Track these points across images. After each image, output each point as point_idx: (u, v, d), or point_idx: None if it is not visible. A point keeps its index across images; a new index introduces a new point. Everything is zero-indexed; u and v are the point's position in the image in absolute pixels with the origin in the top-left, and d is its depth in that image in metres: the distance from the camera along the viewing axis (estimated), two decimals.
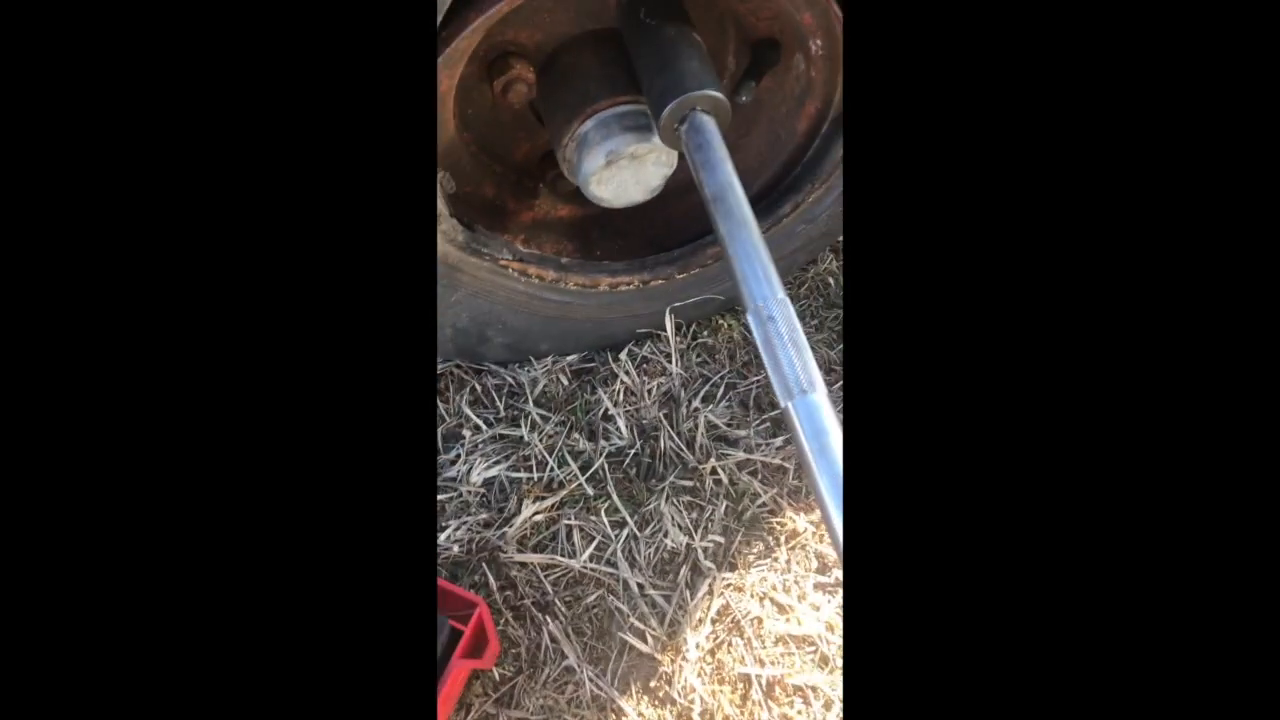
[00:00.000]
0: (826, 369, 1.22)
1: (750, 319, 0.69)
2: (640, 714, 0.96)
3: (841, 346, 1.24)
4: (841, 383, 1.21)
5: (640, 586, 1.03)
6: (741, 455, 1.12)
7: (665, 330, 1.19)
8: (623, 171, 0.95)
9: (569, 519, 1.08)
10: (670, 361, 1.20)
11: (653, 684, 0.98)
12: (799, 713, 0.95)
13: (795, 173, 1.09)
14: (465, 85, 0.95)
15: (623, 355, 1.20)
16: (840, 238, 1.27)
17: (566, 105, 0.94)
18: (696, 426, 1.14)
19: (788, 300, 0.70)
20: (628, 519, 1.08)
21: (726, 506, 1.09)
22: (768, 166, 1.14)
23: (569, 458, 1.12)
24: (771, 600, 1.03)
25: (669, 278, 1.14)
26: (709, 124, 0.81)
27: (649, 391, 1.18)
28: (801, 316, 1.27)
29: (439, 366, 1.19)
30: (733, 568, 1.05)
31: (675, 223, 1.18)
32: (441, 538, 1.06)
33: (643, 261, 1.14)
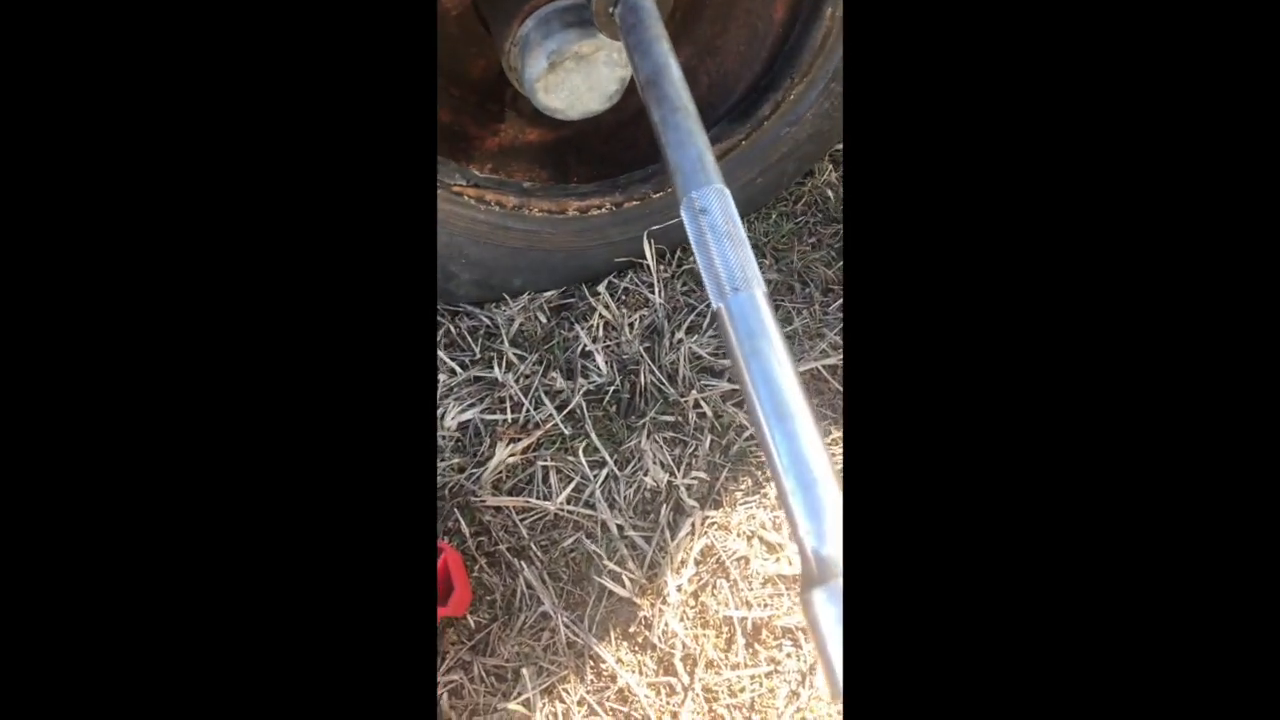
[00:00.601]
0: (824, 288, 1.12)
1: (683, 214, 0.61)
2: (619, 660, 0.90)
3: (841, 265, 1.13)
4: (841, 302, 1.11)
5: (619, 528, 0.97)
6: (726, 386, 1.04)
7: (646, 258, 1.11)
8: (571, 76, 0.86)
9: (545, 460, 1.02)
10: (653, 292, 1.12)
11: (632, 629, 0.92)
12: (788, 655, 0.88)
13: (775, 67, 0.98)
14: None
15: (601, 288, 1.12)
16: (837, 145, 1.15)
17: (505, 5, 0.85)
18: (679, 359, 1.06)
19: (726, 191, 0.61)
20: (607, 458, 1.01)
21: (711, 441, 1.01)
22: (749, 66, 1.03)
23: (545, 398, 1.06)
24: (760, 539, 0.95)
25: (644, 198, 1.05)
26: (644, 2, 0.72)
27: (630, 325, 1.10)
28: (798, 233, 1.17)
29: None
30: (717, 505, 0.97)
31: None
32: None
33: (614, 182, 1.05)
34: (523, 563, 0.96)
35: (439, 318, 1.14)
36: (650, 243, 1.10)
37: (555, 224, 1.04)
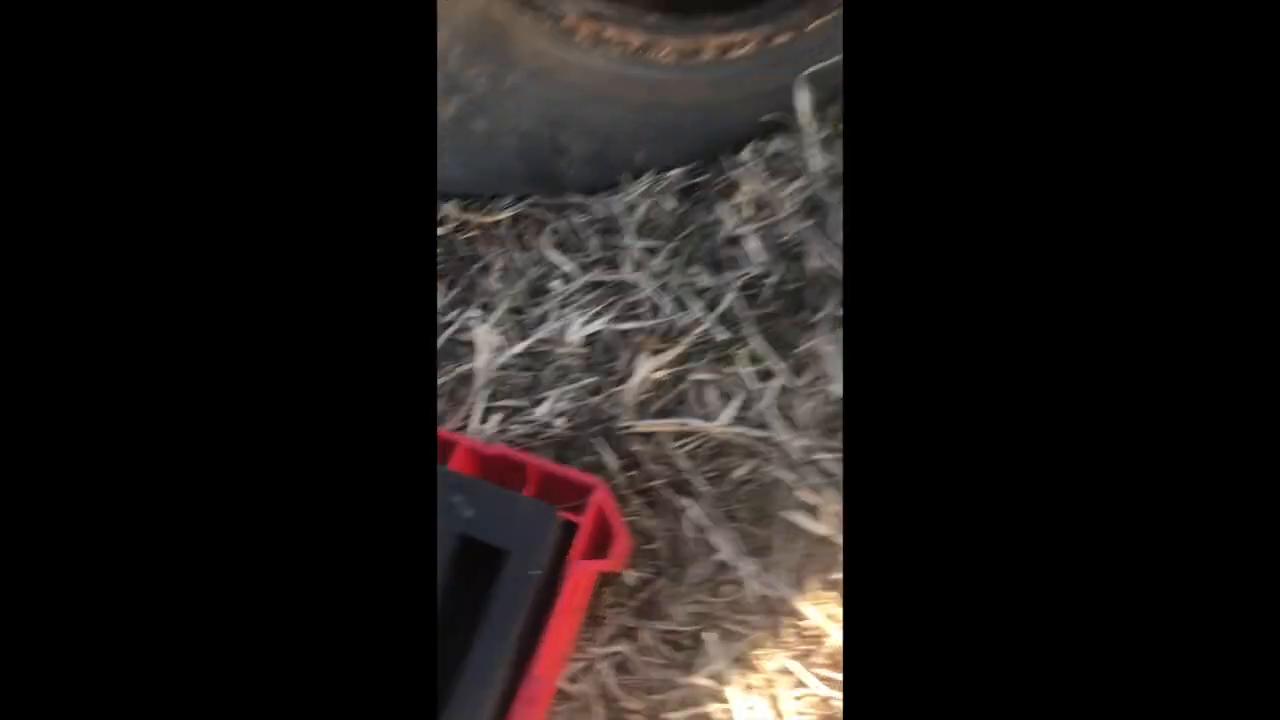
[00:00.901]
0: None
1: None
2: (829, 615, 0.71)
3: None
4: None
5: (805, 450, 0.77)
6: None
7: (799, 112, 0.88)
8: None
9: (699, 374, 0.82)
10: (811, 155, 0.89)
11: (836, 575, 0.72)
12: None
13: None
14: None
15: (745, 154, 0.90)
16: None
17: None
18: None
19: None
20: (776, 366, 0.81)
21: None
22: None
23: (689, 297, 0.85)
24: None
25: (798, 27, 0.82)
26: None
27: (786, 199, 0.88)
28: None
29: (510, 208, 0.94)
30: None
31: None
32: (541, 411, 0.83)
33: (759, 10, 0.82)
34: (688, 500, 0.77)
35: (544, 213, 0.93)
36: (808, 90, 0.86)
37: (688, 70, 0.82)
